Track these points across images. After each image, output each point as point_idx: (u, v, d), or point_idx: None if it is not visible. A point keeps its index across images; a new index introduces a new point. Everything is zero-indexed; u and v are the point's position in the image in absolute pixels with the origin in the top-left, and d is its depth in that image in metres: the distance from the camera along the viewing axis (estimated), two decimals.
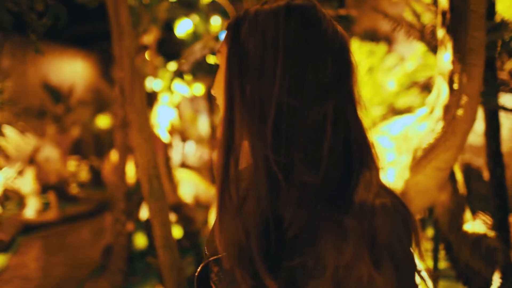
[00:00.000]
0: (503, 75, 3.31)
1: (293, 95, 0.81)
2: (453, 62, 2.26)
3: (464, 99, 2.18)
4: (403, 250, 0.77)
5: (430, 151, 2.27)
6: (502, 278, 2.36)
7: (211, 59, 4.95)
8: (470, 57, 2.17)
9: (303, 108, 0.81)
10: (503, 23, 2.75)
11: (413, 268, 0.79)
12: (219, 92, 0.95)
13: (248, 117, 0.83)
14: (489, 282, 2.43)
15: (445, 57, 2.30)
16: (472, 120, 2.21)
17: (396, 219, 0.78)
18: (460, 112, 2.19)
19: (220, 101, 0.94)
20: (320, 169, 0.80)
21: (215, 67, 4.96)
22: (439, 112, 2.31)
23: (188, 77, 5.15)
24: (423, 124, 2.43)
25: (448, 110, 2.24)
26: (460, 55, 2.21)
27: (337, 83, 0.84)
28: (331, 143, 0.81)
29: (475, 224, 2.64)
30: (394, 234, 0.76)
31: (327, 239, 0.76)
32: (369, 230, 0.75)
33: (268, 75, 0.82)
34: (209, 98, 7.68)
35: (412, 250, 0.79)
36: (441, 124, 2.26)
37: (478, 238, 2.55)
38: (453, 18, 2.25)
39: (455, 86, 2.22)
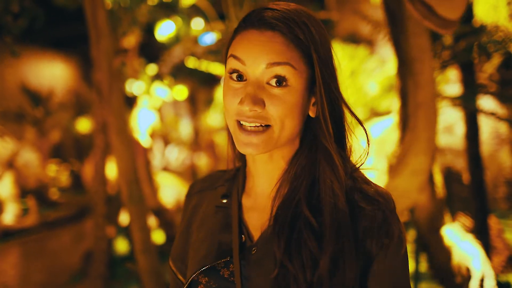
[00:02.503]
0: (482, 79, 3.34)
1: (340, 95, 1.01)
2: (400, 72, 2.24)
3: (418, 108, 2.17)
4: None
5: (402, 157, 2.28)
6: (478, 282, 2.37)
7: (191, 63, 4.92)
8: (414, 66, 2.14)
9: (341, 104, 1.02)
10: (481, 27, 2.77)
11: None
12: (282, 106, 0.94)
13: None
14: (465, 284, 2.44)
15: (394, 67, 2.29)
16: (431, 127, 2.20)
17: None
18: (417, 120, 2.18)
19: (283, 115, 0.94)
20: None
21: (195, 70, 4.93)
22: (398, 120, 2.32)
23: (167, 80, 5.12)
24: (395, 131, 2.44)
25: (406, 119, 2.24)
26: (405, 63, 2.19)
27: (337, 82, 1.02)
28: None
29: (454, 226, 2.65)
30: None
31: None
32: None
33: (338, 84, 1.00)
34: (191, 101, 7.65)
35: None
36: (404, 133, 2.27)
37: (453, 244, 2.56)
38: (393, 27, 2.22)
39: (406, 96, 2.22)
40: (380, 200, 0.95)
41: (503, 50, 2.83)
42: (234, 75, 0.97)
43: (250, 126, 0.95)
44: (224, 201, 1.10)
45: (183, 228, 1.15)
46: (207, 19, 4.75)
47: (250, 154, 0.98)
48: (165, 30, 5.24)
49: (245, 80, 0.96)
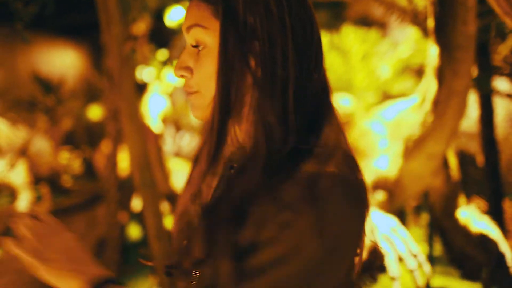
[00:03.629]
0: (497, 60, 3.28)
1: (299, 69, 0.84)
2: (440, 57, 2.21)
3: (452, 96, 2.14)
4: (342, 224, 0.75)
5: (420, 142, 2.26)
6: (495, 265, 2.36)
7: None
8: (458, 53, 2.10)
9: (306, 80, 0.85)
10: None
11: (350, 247, 0.78)
12: (202, 70, 0.87)
13: (259, 92, 0.83)
14: (482, 267, 2.42)
15: (433, 50, 2.25)
16: (460, 116, 2.18)
17: (342, 191, 0.76)
18: (448, 107, 2.15)
19: (205, 78, 0.87)
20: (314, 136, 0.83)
21: None
22: (428, 105, 2.29)
23: None
24: (415, 114, 2.40)
25: (437, 105, 2.21)
26: (447, 50, 2.16)
27: (321, 53, 0.89)
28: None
29: (469, 209, 2.63)
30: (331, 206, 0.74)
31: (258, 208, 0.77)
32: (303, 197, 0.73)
33: (278, 51, 0.82)
34: None
35: (357, 226, 0.78)
36: (430, 118, 2.24)
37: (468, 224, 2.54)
38: (441, 10, 2.18)
39: (443, 82, 2.18)
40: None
41: None
42: None
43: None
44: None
45: None
46: None
47: (199, 119, 0.93)
48: (175, 15, 5.22)
49: None
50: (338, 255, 0.75)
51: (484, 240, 2.44)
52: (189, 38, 0.90)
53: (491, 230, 2.47)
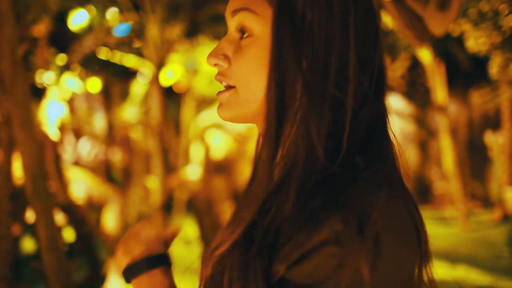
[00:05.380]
0: (389, 78, 3.49)
1: (358, 81, 0.71)
2: None
3: None
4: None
5: None
6: None
7: (103, 54, 4.76)
8: None
9: (364, 97, 0.71)
10: (389, 31, 2.89)
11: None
12: (244, 61, 0.75)
13: (308, 99, 0.70)
14: None
15: None
16: None
17: (396, 229, 0.66)
18: None
19: (246, 71, 0.75)
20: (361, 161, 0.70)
21: (110, 62, 4.78)
22: None
23: (77, 71, 4.92)
24: None
25: None
26: None
27: (383, 70, 0.75)
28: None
29: None
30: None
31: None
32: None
33: (334, 55, 0.70)
34: (106, 94, 7.40)
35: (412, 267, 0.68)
36: None
37: None
38: None
39: None
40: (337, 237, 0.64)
41: (409, 53, 2.99)
42: None
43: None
44: None
45: None
46: (121, 10, 4.62)
47: (221, 118, 0.80)
48: (78, 19, 5.04)
49: None
50: None
51: None
52: (232, 23, 0.77)
53: None
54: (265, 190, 0.72)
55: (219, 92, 0.79)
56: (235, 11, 0.76)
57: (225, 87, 0.78)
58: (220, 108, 0.78)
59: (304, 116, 0.70)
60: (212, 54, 0.77)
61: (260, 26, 0.74)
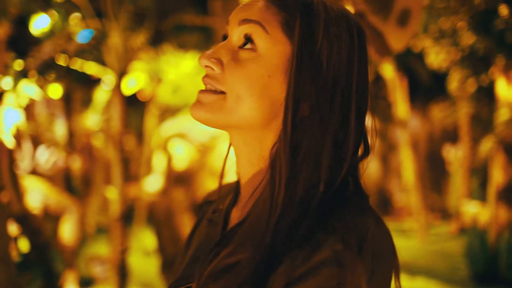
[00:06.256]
0: None
1: (358, 113, 0.79)
2: None
3: None
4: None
5: None
6: None
7: (62, 60, 4.67)
8: None
9: (359, 126, 0.81)
10: None
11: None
12: (241, 72, 0.76)
13: (316, 127, 0.75)
14: None
15: None
16: None
17: (389, 245, 0.76)
18: None
19: (241, 82, 0.76)
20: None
21: (68, 68, 4.69)
22: None
23: (34, 77, 4.81)
24: None
25: None
26: None
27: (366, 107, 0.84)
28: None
29: None
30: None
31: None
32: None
33: (340, 88, 0.76)
34: (67, 101, 7.24)
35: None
36: None
37: None
38: None
39: None
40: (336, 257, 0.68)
41: (372, 67, 3.03)
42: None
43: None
44: (216, 214, 0.93)
45: (186, 241, 1.00)
46: (83, 16, 4.55)
47: (195, 117, 0.80)
48: (40, 23, 4.94)
49: None
50: None
51: None
52: (237, 31, 0.78)
53: None
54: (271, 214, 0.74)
55: (203, 91, 0.80)
56: (245, 21, 0.77)
57: (211, 90, 0.79)
58: (198, 108, 0.79)
59: (314, 141, 0.75)
60: (206, 56, 0.78)
61: (266, 45, 0.76)
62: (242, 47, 0.78)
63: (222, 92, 0.78)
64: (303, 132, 0.76)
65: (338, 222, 0.69)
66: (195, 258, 0.90)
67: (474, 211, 6.79)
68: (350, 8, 2.11)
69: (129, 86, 5.97)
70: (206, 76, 0.80)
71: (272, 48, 0.76)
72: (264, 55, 0.76)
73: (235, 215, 0.89)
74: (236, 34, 0.79)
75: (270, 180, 0.76)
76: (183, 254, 0.97)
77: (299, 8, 0.76)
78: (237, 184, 0.92)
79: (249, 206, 0.83)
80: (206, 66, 0.79)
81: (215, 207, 0.96)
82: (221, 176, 0.95)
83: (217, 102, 0.78)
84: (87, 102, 8.15)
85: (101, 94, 7.63)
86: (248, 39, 0.77)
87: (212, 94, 0.79)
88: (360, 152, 0.82)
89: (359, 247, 0.67)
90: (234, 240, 0.78)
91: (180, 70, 6.18)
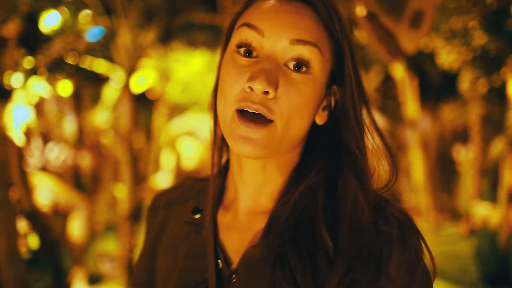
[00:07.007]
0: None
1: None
2: None
3: None
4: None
5: None
6: None
7: (70, 59, 4.68)
8: None
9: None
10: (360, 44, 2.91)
11: None
12: (296, 97, 0.73)
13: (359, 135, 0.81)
14: None
15: None
16: None
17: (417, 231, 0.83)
18: None
19: (295, 108, 0.74)
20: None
21: (77, 66, 4.70)
22: None
23: (44, 75, 4.83)
24: None
25: None
26: None
27: None
28: None
29: None
30: None
31: None
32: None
33: (363, 99, 0.81)
34: (77, 98, 7.27)
35: None
36: None
37: None
38: None
39: None
40: (400, 219, 0.76)
41: (382, 66, 3.01)
42: (242, 50, 0.75)
43: (254, 114, 0.73)
44: (196, 216, 0.89)
45: (147, 249, 0.94)
46: (93, 14, 4.55)
47: (247, 155, 0.75)
48: (50, 20, 4.95)
49: (256, 57, 0.75)
50: None
51: None
52: (289, 51, 0.73)
53: None
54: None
55: (251, 124, 0.72)
56: (301, 42, 0.72)
57: (260, 122, 0.73)
58: (252, 146, 0.73)
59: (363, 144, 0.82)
60: (266, 80, 0.70)
61: (321, 67, 0.74)
62: (295, 69, 0.73)
63: (270, 121, 0.73)
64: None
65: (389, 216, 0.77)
66: (178, 268, 0.85)
67: (485, 212, 6.74)
68: (362, 9, 2.08)
69: (138, 84, 5.98)
70: (260, 104, 0.72)
71: (324, 68, 0.75)
72: (318, 76, 0.74)
73: (224, 220, 0.86)
74: (286, 52, 0.73)
75: (349, 185, 0.78)
76: (151, 264, 0.91)
77: (340, 22, 0.77)
78: (220, 186, 0.89)
79: (248, 213, 0.84)
80: (265, 92, 0.72)
81: (192, 209, 0.91)
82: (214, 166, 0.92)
83: (269, 135, 0.73)
84: (96, 99, 8.17)
85: (110, 92, 7.65)
86: (304, 62, 0.73)
87: (262, 127, 0.72)
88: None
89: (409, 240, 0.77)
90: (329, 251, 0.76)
91: (189, 68, 6.18)
